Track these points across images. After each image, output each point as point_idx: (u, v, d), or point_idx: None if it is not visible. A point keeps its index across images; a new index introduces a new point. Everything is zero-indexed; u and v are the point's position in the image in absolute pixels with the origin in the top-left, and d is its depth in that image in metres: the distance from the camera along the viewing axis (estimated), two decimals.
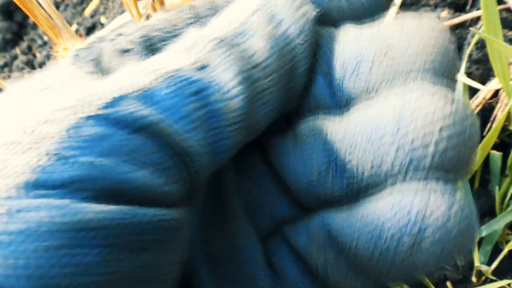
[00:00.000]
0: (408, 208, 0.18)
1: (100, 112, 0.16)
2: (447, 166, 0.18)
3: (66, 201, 0.15)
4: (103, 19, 0.59)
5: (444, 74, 0.20)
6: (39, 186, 0.15)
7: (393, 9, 0.47)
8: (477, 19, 0.44)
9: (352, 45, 0.21)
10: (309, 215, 0.22)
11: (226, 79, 0.18)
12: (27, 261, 0.14)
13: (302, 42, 0.20)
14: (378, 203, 0.19)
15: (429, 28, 0.21)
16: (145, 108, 0.17)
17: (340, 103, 0.22)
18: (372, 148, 0.19)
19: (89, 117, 0.16)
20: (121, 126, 0.17)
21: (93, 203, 0.16)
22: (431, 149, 0.18)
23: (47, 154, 0.16)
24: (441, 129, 0.18)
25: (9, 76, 0.60)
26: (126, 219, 0.16)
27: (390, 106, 0.19)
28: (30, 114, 0.17)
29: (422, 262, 0.18)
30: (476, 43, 0.41)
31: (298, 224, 0.22)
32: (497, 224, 0.35)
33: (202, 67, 0.19)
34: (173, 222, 0.18)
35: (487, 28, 0.31)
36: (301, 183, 0.21)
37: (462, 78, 0.38)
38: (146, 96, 0.17)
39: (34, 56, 0.61)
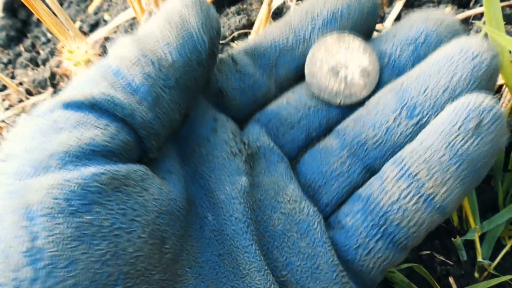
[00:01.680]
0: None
1: None
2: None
3: None
4: (106, 16, 0.59)
5: None
6: None
7: (398, 6, 0.47)
8: (481, 15, 0.44)
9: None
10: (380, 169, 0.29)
11: None
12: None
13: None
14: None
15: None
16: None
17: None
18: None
19: None
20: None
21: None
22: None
23: None
24: None
25: (12, 73, 0.60)
26: None
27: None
28: None
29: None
30: None
31: (372, 179, 0.28)
32: (500, 220, 0.35)
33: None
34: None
35: (490, 23, 0.31)
36: (375, 141, 0.29)
37: None
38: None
39: (38, 53, 0.61)
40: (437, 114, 0.27)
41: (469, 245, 0.38)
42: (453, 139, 0.26)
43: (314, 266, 0.27)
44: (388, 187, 0.27)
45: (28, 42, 0.63)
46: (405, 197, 0.27)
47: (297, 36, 0.31)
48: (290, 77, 0.31)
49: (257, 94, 0.31)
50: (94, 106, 0.23)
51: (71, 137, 0.22)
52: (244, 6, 0.51)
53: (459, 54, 0.27)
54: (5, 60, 0.62)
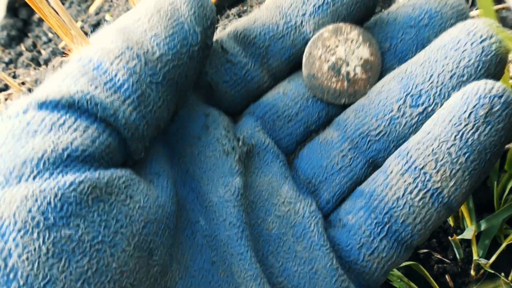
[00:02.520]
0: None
1: None
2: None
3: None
4: (107, 17, 0.59)
5: None
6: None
7: None
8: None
9: None
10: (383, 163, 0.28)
11: None
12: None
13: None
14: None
15: None
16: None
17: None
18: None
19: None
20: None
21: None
22: None
23: None
24: None
25: (14, 73, 0.60)
26: None
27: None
28: None
29: None
30: None
31: (374, 174, 0.27)
32: (496, 219, 0.36)
33: None
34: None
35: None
36: (379, 131, 0.27)
37: None
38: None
39: (39, 53, 0.62)
40: (443, 102, 0.26)
41: (466, 244, 0.38)
42: (462, 128, 0.24)
43: (312, 271, 0.26)
44: (393, 182, 0.26)
45: (29, 41, 0.64)
46: (411, 192, 0.25)
47: (288, 23, 0.28)
48: (284, 67, 0.29)
49: (250, 86, 0.29)
50: (72, 106, 0.21)
51: (46, 142, 0.20)
52: (245, 8, 0.51)
53: (466, 38, 0.25)
54: (6, 59, 0.63)
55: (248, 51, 0.28)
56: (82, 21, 0.61)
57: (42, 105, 0.21)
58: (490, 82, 0.24)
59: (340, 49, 0.28)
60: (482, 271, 0.37)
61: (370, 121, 0.27)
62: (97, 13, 0.61)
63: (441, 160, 0.24)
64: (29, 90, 0.54)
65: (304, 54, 0.28)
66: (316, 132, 0.29)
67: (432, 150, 0.25)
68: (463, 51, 0.25)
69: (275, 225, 0.26)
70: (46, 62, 0.59)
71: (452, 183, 0.25)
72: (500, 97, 0.24)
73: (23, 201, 0.18)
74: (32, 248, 0.18)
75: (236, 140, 0.27)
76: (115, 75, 0.22)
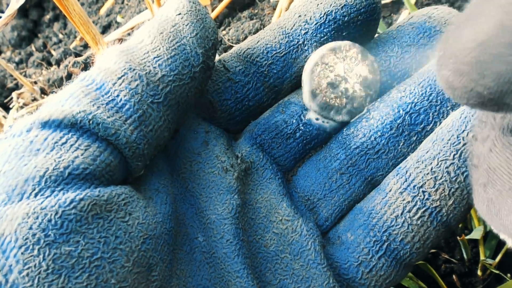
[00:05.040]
0: None
1: None
2: None
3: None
4: (119, 18, 0.60)
5: None
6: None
7: (404, 13, 0.48)
8: None
9: None
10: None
11: None
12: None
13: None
14: None
15: None
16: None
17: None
18: None
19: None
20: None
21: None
22: None
23: None
24: None
25: (25, 73, 0.61)
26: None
27: None
28: None
29: None
30: None
31: (373, 192, 0.27)
32: None
33: None
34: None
35: None
36: (379, 148, 0.28)
37: None
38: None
39: (49, 53, 0.63)
40: (442, 121, 0.26)
41: (473, 244, 0.39)
42: (461, 147, 0.25)
43: None
44: (392, 200, 0.26)
45: (39, 42, 0.64)
46: (409, 210, 0.25)
47: (290, 42, 0.29)
48: (285, 85, 0.29)
49: (250, 104, 0.29)
50: (74, 125, 0.21)
51: (48, 160, 0.20)
52: (256, 11, 0.52)
53: None
54: (16, 59, 0.64)
55: (250, 69, 0.29)
56: (93, 22, 0.62)
57: (45, 125, 0.21)
58: None
59: (339, 66, 0.28)
60: (488, 271, 0.38)
61: (369, 139, 0.27)
62: (108, 15, 0.62)
63: (440, 179, 0.25)
64: (41, 89, 0.55)
65: (304, 70, 0.28)
66: (315, 148, 0.29)
67: (431, 169, 0.25)
68: None
69: (273, 242, 0.26)
70: (58, 62, 0.60)
71: (451, 202, 0.25)
72: None
73: (25, 218, 0.19)
74: (33, 265, 0.18)
75: (235, 157, 0.28)
76: (117, 96, 0.23)
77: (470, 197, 0.25)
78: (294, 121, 0.28)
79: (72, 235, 0.19)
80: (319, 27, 0.28)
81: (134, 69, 0.23)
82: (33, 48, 0.64)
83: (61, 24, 0.65)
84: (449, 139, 0.25)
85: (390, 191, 0.26)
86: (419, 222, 0.25)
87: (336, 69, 0.28)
